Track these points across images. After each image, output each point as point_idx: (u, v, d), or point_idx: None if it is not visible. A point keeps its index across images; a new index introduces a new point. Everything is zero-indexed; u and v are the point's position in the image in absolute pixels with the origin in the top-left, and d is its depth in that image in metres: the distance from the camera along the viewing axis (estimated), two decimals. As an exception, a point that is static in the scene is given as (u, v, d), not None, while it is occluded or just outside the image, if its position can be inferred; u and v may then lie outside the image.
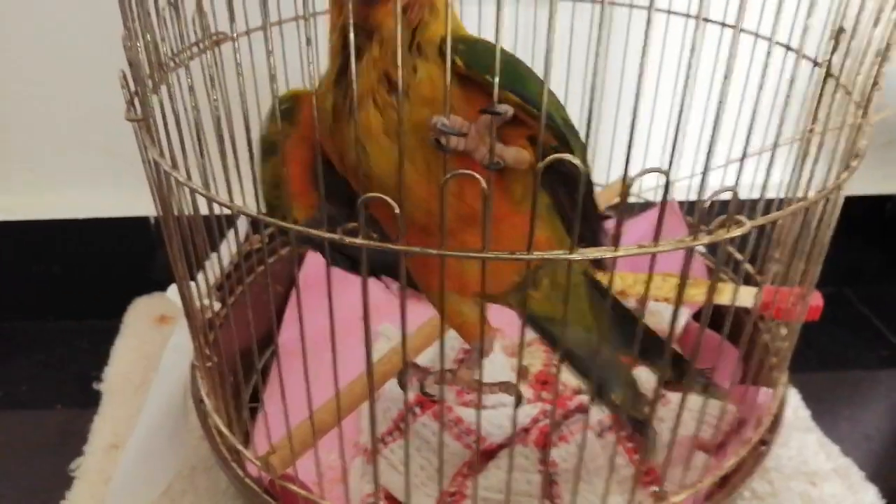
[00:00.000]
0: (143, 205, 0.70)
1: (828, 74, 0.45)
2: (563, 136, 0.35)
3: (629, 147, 0.30)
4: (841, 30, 0.43)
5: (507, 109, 0.32)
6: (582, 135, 0.32)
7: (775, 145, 0.38)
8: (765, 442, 0.46)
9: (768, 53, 0.37)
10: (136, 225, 0.74)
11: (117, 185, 0.74)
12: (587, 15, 0.66)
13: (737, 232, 0.30)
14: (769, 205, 0.48)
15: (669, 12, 0.63)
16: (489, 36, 0.33)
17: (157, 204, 0.42)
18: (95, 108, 0.70)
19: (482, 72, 0.33)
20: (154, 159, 0.37)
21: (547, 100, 0.28)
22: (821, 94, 0.44)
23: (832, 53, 0.44)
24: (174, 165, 0.37)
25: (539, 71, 0.32)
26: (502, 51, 0.28)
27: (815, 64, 0.48)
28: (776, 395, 0.48)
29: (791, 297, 0.45)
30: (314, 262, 0.63)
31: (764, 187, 0.42)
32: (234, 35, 0.35)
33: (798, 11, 0.47)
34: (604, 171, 0.70)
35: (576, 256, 0.29)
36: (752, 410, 0.48)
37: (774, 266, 0.52)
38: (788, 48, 0.52)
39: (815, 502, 0.54)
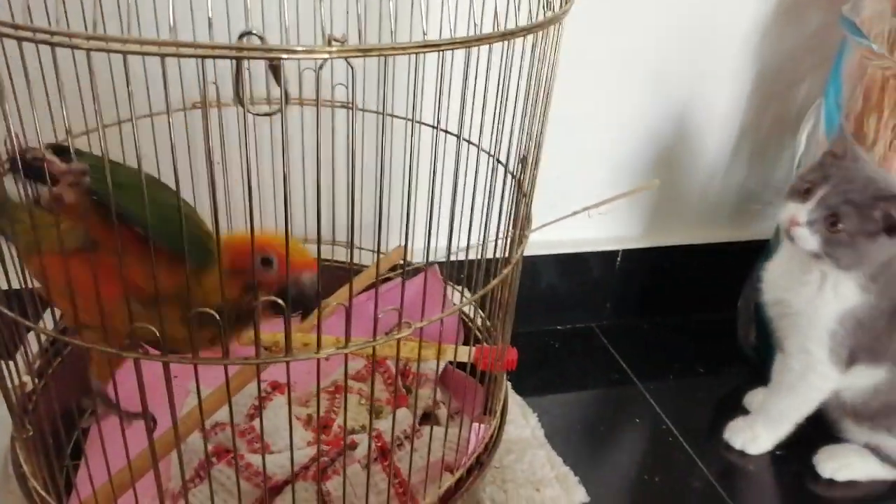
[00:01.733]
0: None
1: (518, 186, 0.61)
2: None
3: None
4: (524, 157, 0.60)
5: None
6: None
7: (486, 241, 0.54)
8: (481, 462, 0.62)
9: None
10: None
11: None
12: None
13: (406, 332, 0.44)
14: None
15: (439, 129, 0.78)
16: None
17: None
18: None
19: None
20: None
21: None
22: (515, 199, 0.61)
23: (520, 172, 0.61)
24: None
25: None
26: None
27: (513, 177, 0.65)
28: (490, 428, 0.63)
29: (493, 354, 0.60)
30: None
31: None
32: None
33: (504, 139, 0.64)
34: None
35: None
36: (475, 439, 0.63)
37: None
38: (499, 162, 0.68)
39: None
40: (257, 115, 0.38)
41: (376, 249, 0.73)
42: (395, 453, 0.67)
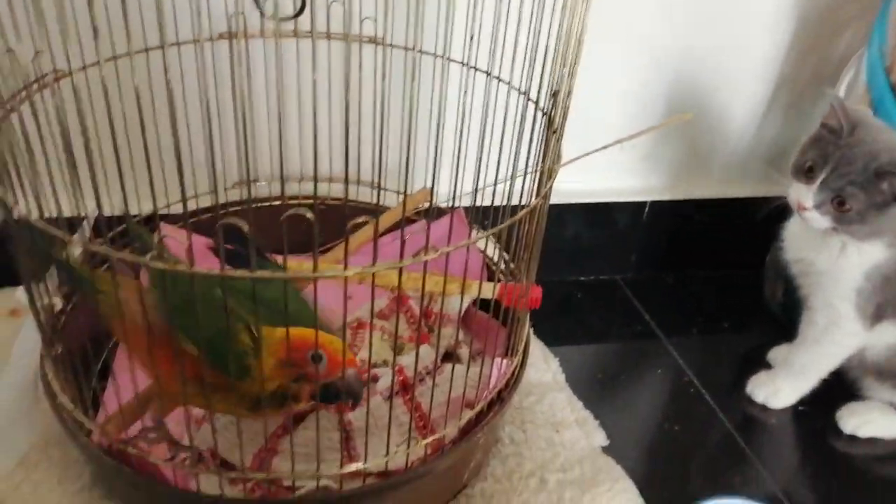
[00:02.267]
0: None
1: (549, 121, 0.60)
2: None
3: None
4: (556, 92, 0.59)
5: None
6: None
7: (514, 176, 0.54)
8: (503, 397, 0.62)
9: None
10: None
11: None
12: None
13: (432, 255, 0.43)
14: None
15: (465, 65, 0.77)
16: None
17: (5, 223, 0.51)
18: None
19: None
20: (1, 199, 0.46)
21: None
22: (545, 135, 0.60)
23: (552, 107, 0.60)
24: (16, 202, 0.46)
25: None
26: None
27: (544, 113, 0.64)
28: (512, 363, 0.63)
29: (517, 291, 0.60)
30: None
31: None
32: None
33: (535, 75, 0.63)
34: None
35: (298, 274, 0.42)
36: (497, 373, 0.63)
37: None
38: (529, 99, 0.67)
39: (556, 445, 0.71)
40: (279, 19, 0.36)
41: (403, 191, 0.73)
42: (416, 387, 0.67)
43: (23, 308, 0.80)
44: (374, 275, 0.43)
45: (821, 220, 0.71)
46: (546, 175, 0.55)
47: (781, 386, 0.84)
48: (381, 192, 0.82)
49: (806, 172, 0.72)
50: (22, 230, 0.50)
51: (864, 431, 0.81)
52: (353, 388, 0.48)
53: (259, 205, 0.80)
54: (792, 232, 0.81)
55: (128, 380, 0.50)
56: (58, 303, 0.61)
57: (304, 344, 0.47)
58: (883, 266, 0.73)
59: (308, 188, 0.85)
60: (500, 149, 0.60)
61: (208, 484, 0.56)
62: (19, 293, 0.62)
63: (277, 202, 0.80)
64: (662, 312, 0.97)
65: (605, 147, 0.54)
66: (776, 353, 0.90)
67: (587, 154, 0.55)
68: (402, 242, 0.43)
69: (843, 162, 0.69)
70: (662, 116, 0.95)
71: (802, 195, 0.72)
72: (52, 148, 0.51)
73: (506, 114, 0.64)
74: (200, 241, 0.68)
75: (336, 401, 0.49)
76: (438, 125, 0.65)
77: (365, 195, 0.84)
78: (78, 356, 0.56)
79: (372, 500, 0.56)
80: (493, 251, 0.80)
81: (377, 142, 0.72)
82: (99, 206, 0.46)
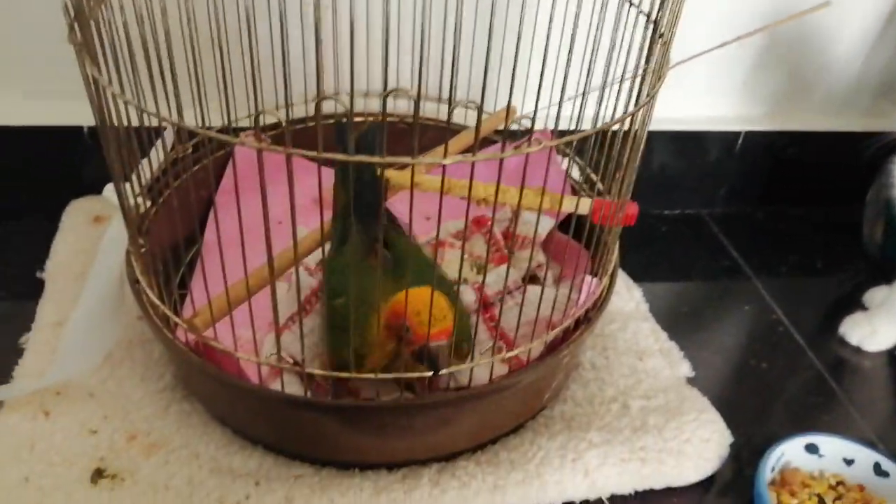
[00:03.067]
0: (76, 115, 0.76)
1: (655, 29, 0.56)
2: None
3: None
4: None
5: None
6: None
7: (616, 82, 0.50)
8: (589, 317, 0.59)
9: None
10: (70, 133, 0.80)
11: (53, 96, 0.79)
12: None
13: (535, 149, 0.41)
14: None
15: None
16: None
17: (95, 114, 0.50)
18: (33, 27, 0.75)
19: None
20: (93, 76, 0.45)
21: None
22: (651, 43, 0.56)
23: (658, 12, 0.56)
24: (110, 82, 0.45)
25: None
26: None
27: (648, 18, 0.59)
28: (601, 282, 0.60)
29: (612, 207, 0.57)
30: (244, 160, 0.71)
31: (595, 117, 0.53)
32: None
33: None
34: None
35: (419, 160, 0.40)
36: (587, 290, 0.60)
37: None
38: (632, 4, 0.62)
39: (639, 372, 0.69)
40: None
41: (507, 105, 0.69)
42: (497, 306, 0.66)
43: (105, 216, 0.81)
44: (472, 165, 0.40)
45: None
46: (654, 78, 0.51)
47: (879, 328, 0.79)
48: (464, 110, 0.78)
49: None
50: (118, 129, 0.50)
51: (969, 380, 0.76)
52: (433, 360, 0.50)
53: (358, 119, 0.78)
54: None
55: (218, 272, 0.49)
56: (145, 203, 0.60)
57: (400, 312, 0.50)
58: None
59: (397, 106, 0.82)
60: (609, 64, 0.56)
61: (290, 386, 0.56)
62: (106, 192, 0.62)
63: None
64: (751, 249, 0.92)
65: (722, 45, 0.50)
66: (872, 295, 0.84)
67: (702, 53, 0.51)
68: (505, 135, 0.40)
69: None
70: (760, 36, 0.89)
71: None
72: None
73: (605, 19, 0.60)
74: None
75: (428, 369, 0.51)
76: (546, 40, 0.61)
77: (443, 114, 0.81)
78: (169, 252, 0.56)
79: (452, 410, 0.55)
80: (578, 174, 0.76)
81: (486, 58, 0.68)
82: (202, 106, 0.45)
